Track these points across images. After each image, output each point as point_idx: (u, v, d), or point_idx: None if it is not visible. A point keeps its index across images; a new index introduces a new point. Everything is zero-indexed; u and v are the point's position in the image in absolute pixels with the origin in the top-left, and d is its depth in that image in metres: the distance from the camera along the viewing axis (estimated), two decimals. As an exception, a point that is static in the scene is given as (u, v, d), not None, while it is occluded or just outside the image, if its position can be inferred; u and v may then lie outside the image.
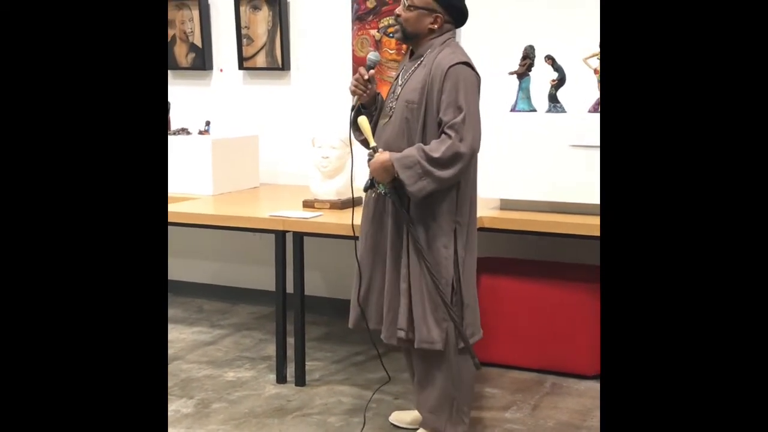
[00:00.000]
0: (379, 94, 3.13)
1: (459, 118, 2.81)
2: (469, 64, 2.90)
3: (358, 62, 4.67)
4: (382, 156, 2.92)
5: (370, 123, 3.05)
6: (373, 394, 3.59)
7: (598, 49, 3.67)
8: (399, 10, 3.00)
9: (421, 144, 2.87)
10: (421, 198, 2.88)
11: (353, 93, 3.06)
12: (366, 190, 3.06)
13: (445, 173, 2.82)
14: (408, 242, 2.97)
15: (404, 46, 3.61)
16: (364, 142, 3.04)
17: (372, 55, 3.10)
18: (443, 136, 2.84)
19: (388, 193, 2.97)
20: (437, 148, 2.82)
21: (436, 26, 2.95)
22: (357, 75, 3.04)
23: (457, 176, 2.86)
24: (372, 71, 3.05)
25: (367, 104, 3.09)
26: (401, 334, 3.01)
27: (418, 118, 2.91)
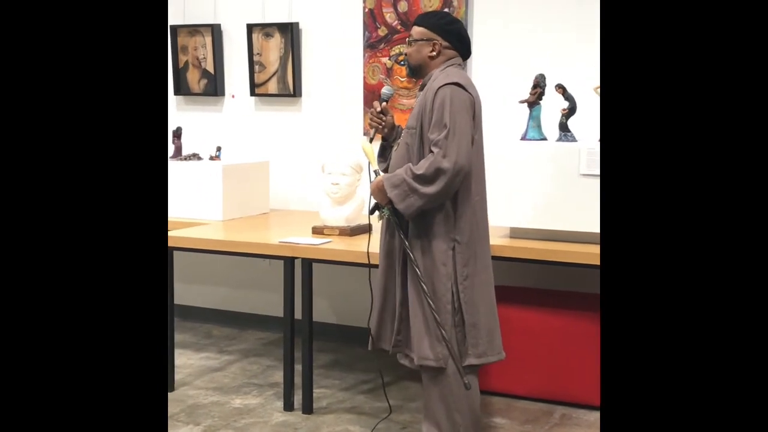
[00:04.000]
0: (399, 126, 3.20)
1: (442, 135, 2.87)
2: (460, 85, 2.94)
3: (369, 90, 4.69)
4: (378, 178, 3.01)
5: (390, 153, 3.16)
6: (377, 424, 3.56)
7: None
8: (404, 48, 3.12)
9: (410, 164, 2.94)
10: (411, 215, 2.94)
11: (370, 126, 3.18)
12: (371, 213, 3.11)
13: (430, 189, 2.87)
14: (407, 262, 3.00)
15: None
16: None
17: (386, 89, 3.25)
18: (429, 153, 2.90)
19: (389, 214, 3.01)
20: (422, 165, 2.90)
21: (435, 53, 3.04)
22: (372, 108, 3.17)
23: (444, 192, 2.89)
24: (384, 103, 3.17)
25: (387, 136, 3.20)
26: (405, 353, 3.08)
27: (415, 141, 3.00)
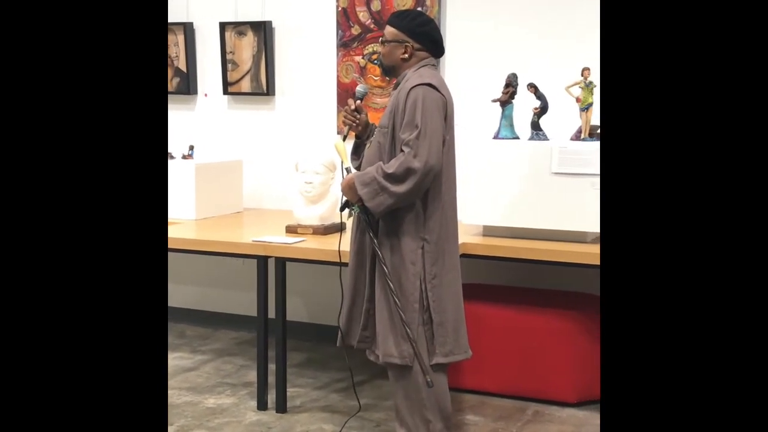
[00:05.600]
0: (373, 124, 3.21)
1: (414, 135, 2.88)
2: (432, 86, 2.95)
3: (342, 88, 4.69)
4: (349, 175, 3.03)
5: (364, 151, 3.17)
6: (346, 421, 3.57)
7: (581, 78, 3.70)
8: (378, 47, 3.11)
9: (381, 162, 2.96)
10: (381, 213, 2.95)
11: (344, 124, 3.19)
12: (342, 210, 3.13)
13: (400, 188, 2.88)
14: (376, 260, 3.01)
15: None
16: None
17: (360, 87, 3.26)
18: (400, 152, 2.92)
19: (360, 212, 3.02)
20: (393, 164, 2.91)
21: (407, 55, 3.06)
22: (346, 106, 3.18)
23: (414, 191, 2.90)
24: (359, 102, 3.18)
25: (361, 134, 3.21)
26: (372, 349, 3.08)
27: (387, 140, 3.01)
